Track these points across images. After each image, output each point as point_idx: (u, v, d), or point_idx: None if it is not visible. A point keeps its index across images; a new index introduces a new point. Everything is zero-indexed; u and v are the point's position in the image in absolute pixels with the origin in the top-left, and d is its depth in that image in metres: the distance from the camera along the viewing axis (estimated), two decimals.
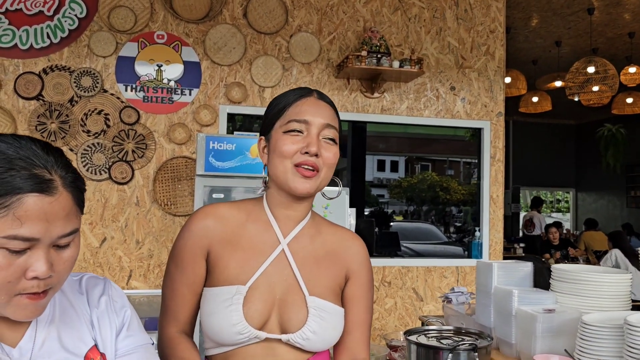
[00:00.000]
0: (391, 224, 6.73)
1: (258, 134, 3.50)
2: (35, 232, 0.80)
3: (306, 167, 1.15)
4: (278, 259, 1.18)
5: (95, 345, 0.94)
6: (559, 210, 13.55)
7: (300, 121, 1.16)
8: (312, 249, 1.22)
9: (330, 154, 1.17)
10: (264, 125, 1.24)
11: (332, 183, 1.25)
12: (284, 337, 1.14)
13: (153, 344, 1.09)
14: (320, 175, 1.17)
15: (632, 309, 1.83)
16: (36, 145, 0.83)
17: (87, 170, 3.22)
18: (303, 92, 1.22)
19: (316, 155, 1.14)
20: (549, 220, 10.79)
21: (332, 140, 1.18)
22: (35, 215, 0.80)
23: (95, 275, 1.04)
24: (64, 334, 0.93)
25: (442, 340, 1.77)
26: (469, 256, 3.88)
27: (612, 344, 1.52)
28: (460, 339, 1.77)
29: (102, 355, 0.95)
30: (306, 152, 1.13)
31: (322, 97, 1.22)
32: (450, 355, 1.64)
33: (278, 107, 1.21)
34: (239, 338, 1.12)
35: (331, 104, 1.24)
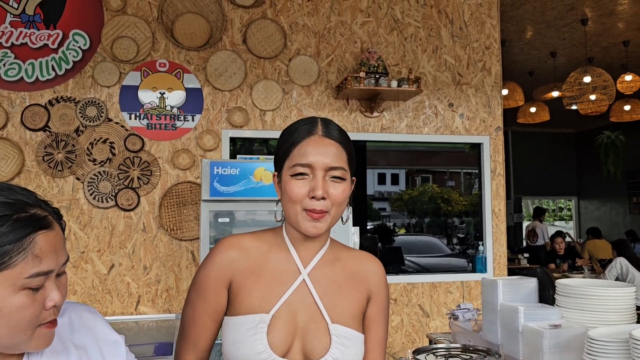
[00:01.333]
0: (394, 238, 6.73)
1: (261, 157, 3.53)
2: (52, 264, 0.87)
3: (315, 212, 1.16)
4: (300, 288, 1.20)
5: None
6: (561, 219, 13.52)
7: (304, 165, 1.16)
8: (332, 276, 1.24)
9: (339, 192, 1.17)
10: (275, 160, 1.24)
11: None
12: None
13: None
14: (331, 214, 1.18)
15: (638, 321, 1.85)
16: (18, 189, 0.91)
17: (94, 198, 3.24)
18: (308, 130, 1.21)
19: (323, 197, 1.15)
20: (553, 229, 10.76)
21: (340, 177, 1.17)
22: (48, 250, 0.87)
23: (79, 305, 1.07)
24: None
25: (450, 359, 1.79)
26: (474, 270, 3.88)
27: (618, 358, 1.53)
28: (468, 357, 1.79)
29: None
30: (313, 197, 1.15)
31: (327, 132, 1.21)
32: None
33: (285, 146, 1.21)
34: None
35: (338, 137, 1.22)
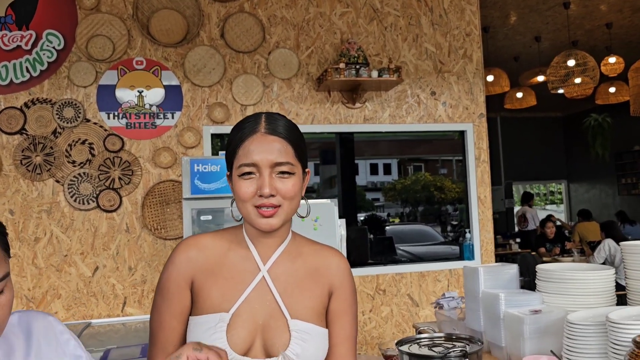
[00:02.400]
0: (386, 228, 6.74)
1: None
2: None
3: (265, 208, 1.15)
4: (259, 285, 1.19)
5: None
6: (552, 202, 13.60)
7: (249, 165, 1.14)
8: (293, 272, 1.23)
9: (288, 187, 1.16)
10: (226, 160, 1.23)
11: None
12: None
13: None
14: (284, 209, 1.17)
15: (618, 302, 1.85)
16: None
17: (75, 200, 3.21)
18: (251, 128, 1.19)
19: (272, 195, 1.14)
20: (544, 213, 10.82)
21: (287, 172, 1.16)
22: None
23: (38, 313, 1.04)
24: None
25: (433, 348, 1.78)
26: (461, 258, 3.89)
27: (597, 341, 1.53)
28: (451, 345, 1.78)
29: None
30: (261, 194, 1.13)
31: (270, 129, 1.18)
32: None
33: (232, 146, 1.19)
34: None
35: (283, 131, 1.20)
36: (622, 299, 1.92)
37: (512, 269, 2.09)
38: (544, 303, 1.86)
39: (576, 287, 1.82)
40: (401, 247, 5.54)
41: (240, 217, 1.25)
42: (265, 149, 1.16)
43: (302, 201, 1.31)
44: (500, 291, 1.93)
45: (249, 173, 1.15)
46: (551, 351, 1.66)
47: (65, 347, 1.02)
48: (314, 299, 1.24)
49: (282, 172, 1.16)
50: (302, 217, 1.37)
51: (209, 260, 1.21)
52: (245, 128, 1.19)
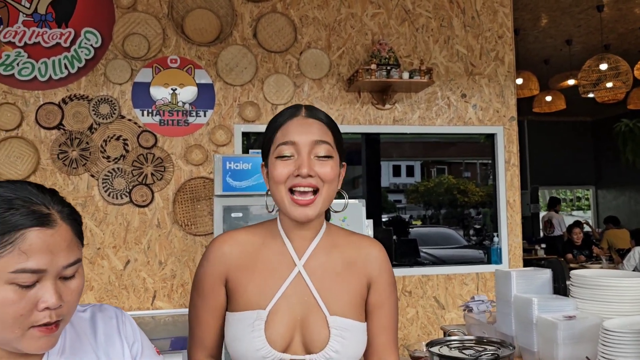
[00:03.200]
0: (410, 230, 6.71)
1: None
2: (42, 263, 0.84)
3: (301, 189, 1.13)
4: (296, 280, 1.18)
5: None
6: (579, 209, 13.36)
7: (287, 144, 1.13)
8: (329, 265, 1.22)
9: (327, 170, 1.14)
10: (262, 151, 1.22)
11: (339, 195, 1.24)
12: (307, 357, 1.15)
13: None
14: (322, 195, 1.15)
15: None
16: (31, 186, 0.89)
17: (109, 195, 3.27)
18: (291, 113, 1.18)
19: (310, 175, 1.12)
20: (571, 219, 10.64)
21: (327, 156, 1.14)
22: (39, 247, 0.84)
23: (107, 307, 1.06)
24: None
25: (464, 351, 1.78)
26: (489, 262, 3.87)
27: (634, 349, 1.51)
28: (482, 349, 1.78)
29: None
30: (298, 175, 1.11)
31: (310, 113, 1.18)
32: None
33: (269, 132, 1.19)
34: None
35: (323, 118, 1.19)
36: None
37: (546, 274, 2.08)
38: (577, 309, 1.84)
39: (612, 294, 1.79)
40: (424, 250, 5.51)
41: (273, 209, 1.24)
42: (306, 130, 1.14)
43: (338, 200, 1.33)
44: (533, 296, 1.91)
45: (287, 155, 1.13)
46: (587, 357, 1.65)
47: (125, 337, 1.04)
48: (352, 293, 1.22)
49: (322, 156, 1.14)
50: (338, 212, 1.37)
51: (243, 256, 1.20)
52: (284, 114, 1.19)
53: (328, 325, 1.17)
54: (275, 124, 1.18)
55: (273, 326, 1.15)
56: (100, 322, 1.03)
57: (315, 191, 1.14)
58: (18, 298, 0.83)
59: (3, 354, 0.91)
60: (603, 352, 1.56)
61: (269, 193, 1.21)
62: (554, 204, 9.59)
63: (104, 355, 0.99)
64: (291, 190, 1.14)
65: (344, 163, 1.22)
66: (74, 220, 0.92)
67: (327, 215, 1.29)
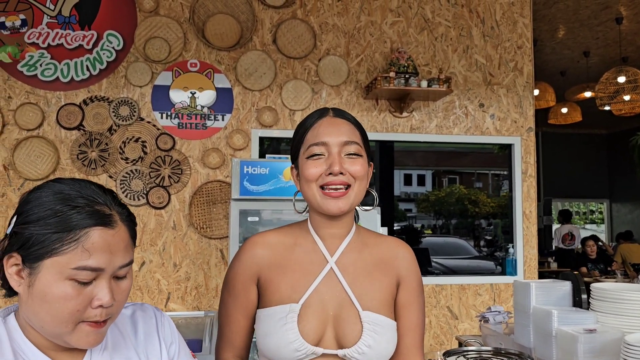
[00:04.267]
0: (421, 239, 6.68)
1: (290, 156, 3.56)
2: (102, 262, 0.86)
3: (333, 187, 1.16)
4: (328, 276, 1.20)
5: None
6: (592, 222, 13.24)
7: (318, 144, 1.17)
8: (360, 262, 1.23)
9: (357, 167, 1.17)
10: (292, 153, 1.25)
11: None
12: (340, 352, 1.16)
13: None
14: (354, 190, 1.18)
15: None
16: (94, 186, 0.92)
17: (126, 196, 3.30)
18: (320, 114, 1.22)
19: (341, 173, 1.15)
20: (584, 232, 10.55)
21: (356, 154, 1.18)
22: (100, 247, 0.86)
23: (147, 306, 1.08)
24: None
25: None
26: (503, 273, 3.84)
27: None
28: None
29: None
30: (330, 173, 1.15)
31: (338, 114, 1.22)
32: None
33: (299, 134, 1.22)
34: (296, 355, 1.14)
35: (351, 119, 1.23)
36: None
37: (565, 286, 2.06)
38: (598, 322, 1.82)
39: (634, 308, 1.77)
40: (435, 259, 5.49)
41: (303, 210, 1.28)
42: (335, 130, 1.18)
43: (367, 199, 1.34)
44: (553, 308, 1.89)
45: (318, 154, 1.16)
46: None
47: (163, 336, 1.06)
48: (383, 290, 1.23)
49: (351, 154, 1.17)
50: (368, 209, 1.38)
51: (275, 256, 1.22)
52: (313, 116, 1.22)
53: (361, 320, 1.17)
54: (305, 126, 1.22)
55: (306, 319, 1.16)
56: (141, 321, 1.05)
57: (347, 187, 1.17)
58: (76, 294, 0.86)
59: (50, 346, 0.93)
60: None
61: (298, 194, 1.24)
62: (567, 217, 9.52)
63: (143, 354, 1.01)
64: (322, 187, 1.17)
65: (370, 162, 1.24)
66: (131, 222, 0.95)
67: (355, 217, 1.31)
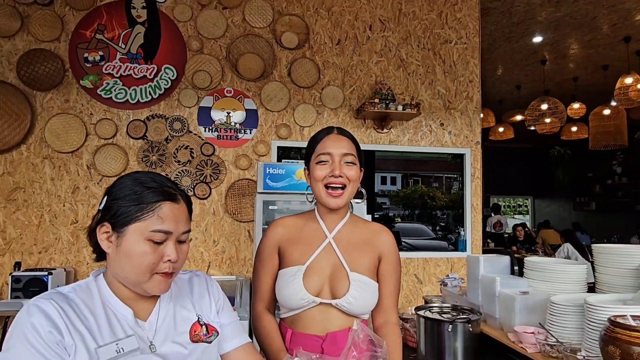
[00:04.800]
0: (394, 225, 6.70)
1: (300, 161, 3.55)
2: (171, 227, 0.89)
3: (334, 186, 1.20)
4: (327, 247, 1.23)
5: (197, 321, 0.99)
6: (520, 213, 13.32)
7: (325, 154, 1.22)
8: (351, 238, 1.26)
9: (352, 172, 1.22)
10: (305, 158, 1.29)
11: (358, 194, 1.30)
12: (333, 301, 1.19)
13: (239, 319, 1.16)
14: (348, 190, 1.22)
15: (588, 291, 1.83)
16: (162, 176, 0.95)
17: None
18: (327, 131, 1.26)
19: (340, 176, 1.19)
20: (512, 221, 10.60)
21: (351, 162, 1.22)
22: (170, 215, 0.89)
23: (200, 273, 1.09)
24: (177, 311, 0.98)
25: (443, 315, 1.79)
26: (456, 249, 3.87)
27: (574, 318, 1.53)
28: (457, 314, 1.78)
29: (206, 325, 1.00)
30: (332, 175, 1.19)
31: (341, 132, 1.26)
32: (450, 326, 1.66)
33: (311, 145, 1.26)
34: (301, 303, 1.18)
35: (349, 136, 1.26)
36: (589, 289, 1.89)
37: (506, 260, 2.07)
38: (529, 287, 1.85)
39: (556, 276, 1.80)
40: (404, 240, 5.50)
41: (312, 200, 1.32)
42: (338, 145, 1.22)
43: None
44: (497, 275, 1.91)
45: (324, 161, 1.21)
46: (539, 323, 1.65)
47: (212, 295, 1.08)
48: (367, 259, 1.26)
49: (348, 162, 1.22)
50: (359, 202, 1.42)
51: (291, 233, 1.27)
52: (322, 133, 1.27)
53: (349, 278, 1.20)
54: (316, 139, 1.26)
55: (309, 277, 1.19)
56: (196, 283, 1.06)
57: (343, 187, 1.21)
58: (152, 251, 0.88)
59: (130, 296, 0.94)
60: (550, 320, 1.59)
61: (309, 189, 1.28)
62: (497, 209, 9.57)
63: (198, 306, 1.03)
64: (326, 186, 1.21)
65: (362, 169, 1.28)
66: (189, 201, 0.98)
67: (351, 207, 1.34)
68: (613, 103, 5.84)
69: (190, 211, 0.97)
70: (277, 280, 1.24)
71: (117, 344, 0.85)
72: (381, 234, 1.30)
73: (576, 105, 6.25)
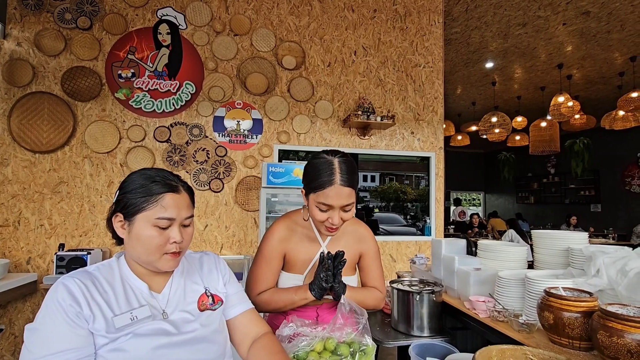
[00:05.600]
0: (373, 214, 6.73)
1: (297, 161, 3.49)
2: (173, 214, 0.88)
3: (332, 227, 1.11)
4: (321, 256, 1.18)
5: (205, 292, 0.98)
6: (474, 205, 13.44)
7: (326, 204, 1.08)
8: (338, 243, 1.24)
9: (349, 215, 1.11)
10: (304, 183, 1.14)
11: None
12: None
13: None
14: (344, 225, 1.18)
15: (528, 267, 1.87)
16: (166, 171, 0.94)
17: (196, 184, 3.26)
18: (329, 178, 1.05)
19: (338, 223, 1.11)
20: (468, 212, 10.68)
21: (350, 206, 1.10)
22: (172, 204, 0.88)
23: (209, 252, 1.08)
24: (187, 284, 0.97)
25: (412, 287, 1.81)
26: (423, 234, 3.89)
27: (517, 290, 1.56)
28: (423, 286, 1.81)
29: (213, 295, 0.98)
30: (331, 222, 1.10)
31: (344, 181, 1.06)
32: (418, 296, 1.67)
33: (312, 185, 1.08)
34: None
35: (351, 184, 1.07)
36: (529, 267, 1.92)
37: (462, 242, 2.11)
38: (481, 264, 1.88)
39: (502, 256, 1.83)
40: (381, 226, 5.52)
41: (307, 218, 1.21)
42: (339, 198, 1.06)
43: None
44: (455, 255, 1.95)
45: (324, 210, 1.09)
46: (489, 294, 1.68)
47: (220, 270, 1.06)
48: (350, 257, 1.25)
49: (346, 210, 1.10)
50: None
51: (294, 238, 1.20)
52: (324, 176, 1.05)
53: None
54: (317, 183, 1.07)
55: (306, 282, 1.19)
56: (205, 261, 1.05)
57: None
58: (158, 235, 0.87)
59: (146, 273, 0.93)
60: (498, 291, 1.61)
61: (306, 208, 1.17)
62: (458, 202, 9.67)
63: (207, 281, 1.01)
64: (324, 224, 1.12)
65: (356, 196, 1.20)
66: (190, 191, 0.96)
67: None
68: (548, 117, 5.92)
69: (192, 199, 0.95)
70: (281, 278, 1.20)
71: (131, 313, 0.85)
72: (361, 231, 1.27)
73: (519, 119, 6.33)
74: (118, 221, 0.89)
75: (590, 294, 1.25)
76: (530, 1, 3.87)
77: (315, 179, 1.08)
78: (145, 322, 0.84)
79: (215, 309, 0.97)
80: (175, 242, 0.88)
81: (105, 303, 0.83)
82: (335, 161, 1.07)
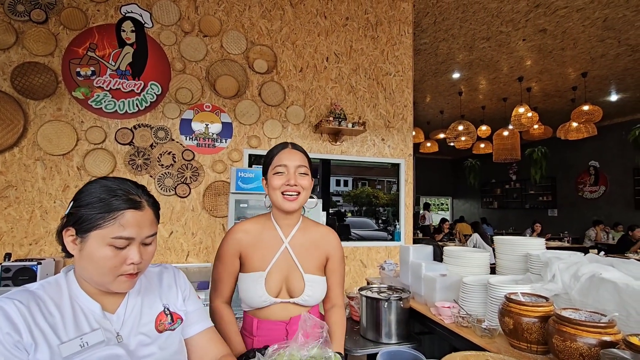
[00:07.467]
0: (345, 219, 6.75)
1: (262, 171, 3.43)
2: (132, 233, 0.81)
3: (289, 193, 1.14)
4: (284, 252, 1.18)
5: (163, 311, 0.92)
6: (442, 210, 13.87)
7: (281, 165, 1.15)
8: (304, 242, 1.22)
9: (305, 181, 1.17)
10: (263, 170, 1.22)
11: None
12: (291, 300, 1.16)
13: (205, 305, 1.08)
14: (301, 196, 1.16)
15: (491, 272, 1.91)
16: (130, 182, 0.86)
17: (162, 189, 3.14)
18: (282, 146, 1.18)
19: (295, 184, 1.14)
20: (438, 217, 11.01)
21: (304, 173, 1.16)
22: (132, 223, 0.81)
23: (168, 266, 1.02)
24: (144, 303, 0.91)
25: (380, 294, 1.81)
26: (393, 239, 3.94)
27: (480, 295, 1.59)
28: (391, 293, 1.81)
29: (172, 313, 0.93)
30: (288, 184, 1.13)
31: (295, 147, 1.18)
32: (386, 303, 1.68)
33: (269, 158, 1.19)
34: (264, 303, 1.14)
35: (302, 150, 1.19)
36: (491, 270, 1.98)
37: (429, 248, 2.14)
38: (447, 270, 1.91)
39: (468, 262, 1.87)
40: (353, 231, 5.55)
41: (269, 205, 1.24)
42: (292, 157, 1.16)
43: (311, 200, 1.32)
44: (422, 261, 1.97)
45: (281, 172, 1.14)
46: (454, 300, 1.70)
47: (179, 286, 1.00)
48: (317, 259, 1.23)
49: (302, 173, 1.16)
50: (311, 208, 1.37)
51: (250, 239, 1.19)
52: (278, 147, 1.19)
53: (304, 279, 1.17)
54: (273, 153, 1.19)
55: (269, 281, 1.15)
56: (165, 276, 0.99)
57: (298, 194, 1.15)
58: (113, 255, 0.79)
59: (97, 292, 0.85)
60: (462, 297, 1.64)
61: (267, 196, 1.21)
62: (427, 207, 9.93)
63: (165, 298, 0.95)
64: (282, 193, 1.14)
65: (313, 178, 1.22)
66: (155, 206, 0.88)
67: (302, 211, 1.29)
68: (510, 127, 6.22)
69: (157, 215, 0.88)
70: (240, 282, 1.17)
71: (81, 339, 0.77)
72: (328, 236, 1.27)
73: (484, 128, 6.61)
74: (69, 235, 0.81)
75: (546, 298, 1.30)
76: (494, 17, 4.07)
77: (269, 155, 1.18)
78: (98, 349, 0.77)
79: (174, 329, 0.91)
80: (132, 263, 0.81)
81: (50, 328, 0.74)
82: (288, 142, 1.22)
